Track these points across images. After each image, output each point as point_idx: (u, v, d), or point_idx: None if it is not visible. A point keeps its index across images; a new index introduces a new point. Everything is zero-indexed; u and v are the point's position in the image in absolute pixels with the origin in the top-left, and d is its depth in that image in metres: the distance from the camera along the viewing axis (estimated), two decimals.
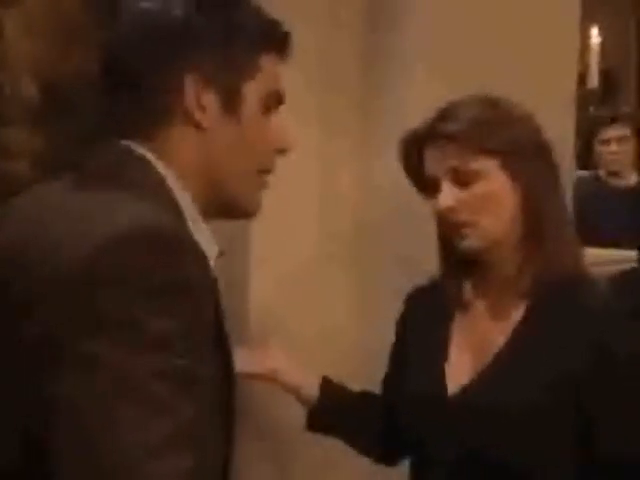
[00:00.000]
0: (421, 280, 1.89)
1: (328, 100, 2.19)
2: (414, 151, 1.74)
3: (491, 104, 1.70)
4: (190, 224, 1.27)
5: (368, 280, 2.26)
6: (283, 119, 1.37)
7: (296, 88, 2.00)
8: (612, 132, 4.93)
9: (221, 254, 1.32)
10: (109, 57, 1.32)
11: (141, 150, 1.28)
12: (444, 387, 1.72)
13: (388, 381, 1.94)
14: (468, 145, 1.65)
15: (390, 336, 1.93)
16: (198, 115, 1.29)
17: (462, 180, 1.67)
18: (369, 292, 2.26)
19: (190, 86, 1.28)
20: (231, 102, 1.30)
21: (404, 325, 1.90)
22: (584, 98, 5.45)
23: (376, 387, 1.96)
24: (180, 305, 1.09)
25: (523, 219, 1.69)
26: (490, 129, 1.66)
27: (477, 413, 1.66)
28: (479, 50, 2.12)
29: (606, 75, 6.17)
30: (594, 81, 5.89)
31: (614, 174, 4.95)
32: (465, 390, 1.70)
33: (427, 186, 1.73)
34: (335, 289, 2.24)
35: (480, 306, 1.77)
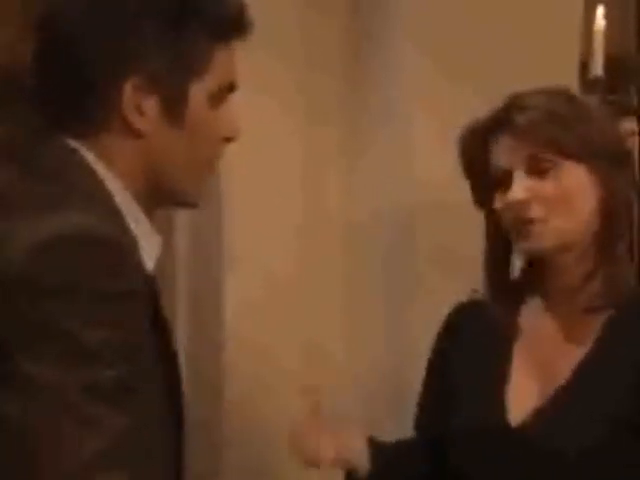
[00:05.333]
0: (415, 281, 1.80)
1: (312, 86, 2.15)
2: (480, 144, 1.62)
3: (567, 98, 1.62)
4: (132, 225, 1.26)
5: (358, 284, 2.16)
6: (230, 105, 1.32)
7: (279, 73, 2.04)
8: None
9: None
10: (47, 42, 1.27)
11: (81, 150, 1.26)
12: (505, 416, 1.58)
13: (430, 408, 1.73)
14: (545, 137, 1.55)
15: (382, 350, 1.82)
16: (135, 121, 1.25)
17: (538, 169, 1.56)
18: (359, 296, 2.15)
19: (129, 91, 1.24)
20: (174, 108, 1.26)
21: (451, 342, 1.72)
22: (588, 87, 5.36)
23: (366, 410, 1.84)
24: (117, 314, 1.13)
25: (598, 227, 1.59)
26: (567, 125, 1.57)
27: (546, 448, 1.53)
28: (471, 29, 2.05)
29: (612, 61, 6.09)
30: (598, 69, 5.78)
31: None
32: (532, 421, 1.56)
33: (493, 182, 1.60)
34: (321, 295, 2.15)
35: (543, 322, 1.64)
